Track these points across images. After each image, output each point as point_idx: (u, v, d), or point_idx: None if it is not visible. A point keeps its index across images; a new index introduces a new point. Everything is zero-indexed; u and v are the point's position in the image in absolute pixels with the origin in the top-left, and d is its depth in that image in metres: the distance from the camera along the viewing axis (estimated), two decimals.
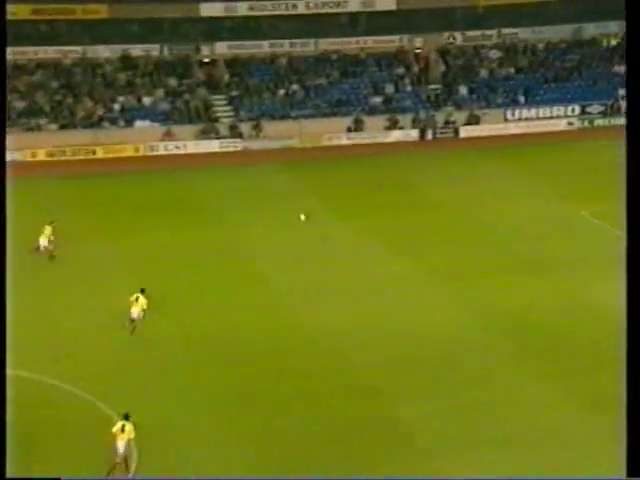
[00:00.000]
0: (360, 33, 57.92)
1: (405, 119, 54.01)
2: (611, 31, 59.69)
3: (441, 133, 53.59)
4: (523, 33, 59.06)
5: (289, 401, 22.19)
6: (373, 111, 54.70)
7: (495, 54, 58.15)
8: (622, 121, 54.96)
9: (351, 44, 57.10)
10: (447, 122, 54.22)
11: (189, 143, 51.95)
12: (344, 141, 52.54)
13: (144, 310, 26.20)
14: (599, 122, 55.36)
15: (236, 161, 49.50)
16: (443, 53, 58.04)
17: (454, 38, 58.12)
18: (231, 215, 37.77)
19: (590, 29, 59.74)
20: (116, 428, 20.15)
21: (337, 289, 30.13)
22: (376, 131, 53.08)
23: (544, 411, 21.79)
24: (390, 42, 57.44)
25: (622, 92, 56.51)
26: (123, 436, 19.91)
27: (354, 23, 58.43)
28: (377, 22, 58.04)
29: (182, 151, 51.04)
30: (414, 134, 53.30)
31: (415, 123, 54.02)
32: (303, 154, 50.03)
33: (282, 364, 24.24)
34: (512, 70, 57.70)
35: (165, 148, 51.02)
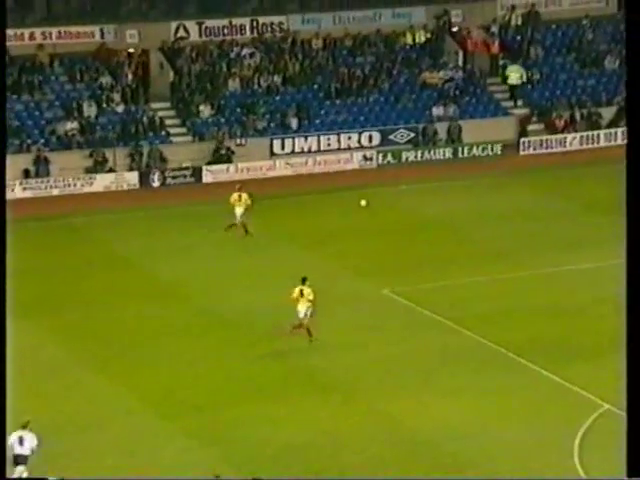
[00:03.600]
0: (36, 22, 57.13)
1: (117, 156, 53.87)
2: (417, 21, 60.98)
3: (174, 177, 53.86)
4: (290, 22, 59.85)
5: None
6: (64, 144, 53.99)
7: (251, 54, 58.70)
8: (441, 154, 56.99)
9: (22, 39, 56.11)
10: (185, 160, 54.50)
11: None
12: (19, 193, 51.57)
13: (310, 302, 32.37)
14: (408, 156, 56.53)
15: None
16: (171, 53, 58.02)
17: (186, 30, 58.57)
18: None
19: (388, 18, 60.70)
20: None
21: None
22: (71, 175, 52.52)
23: None
24: (86, 35, 57.14)
25: (437, 111, 58.52)
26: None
27: (25, 5, 57.42)
28: (63, 4, 57.59)
29: None
30: (131, 179, 53.29)
31: (133, 162, 53.91)
32: None
33: None
34: (277, 79, 58.44)
35: None
